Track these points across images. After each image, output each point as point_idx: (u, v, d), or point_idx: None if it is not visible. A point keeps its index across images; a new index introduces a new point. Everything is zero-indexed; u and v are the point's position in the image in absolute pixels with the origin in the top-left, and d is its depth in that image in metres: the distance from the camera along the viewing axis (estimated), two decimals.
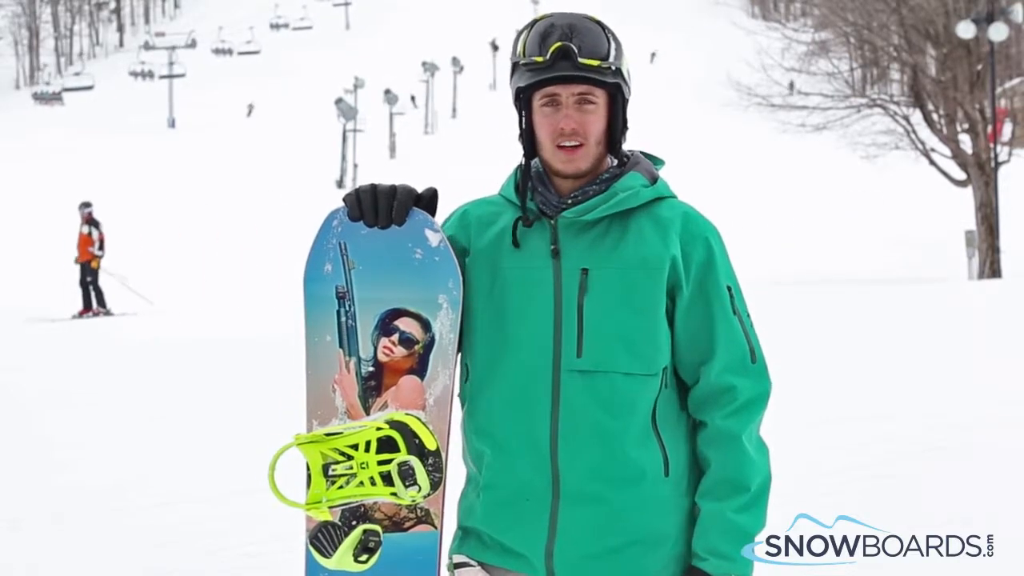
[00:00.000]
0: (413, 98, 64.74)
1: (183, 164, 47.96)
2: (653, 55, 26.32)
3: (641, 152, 2.47)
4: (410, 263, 2.32)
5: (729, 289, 2.36)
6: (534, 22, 2.37)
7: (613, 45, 2.34)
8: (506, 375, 2.33)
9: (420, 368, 2.32)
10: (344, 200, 2.34)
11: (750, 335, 2.37)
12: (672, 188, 2.45)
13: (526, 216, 2.35)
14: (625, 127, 2.39)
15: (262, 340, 14.04)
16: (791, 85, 28.94)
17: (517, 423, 2.32)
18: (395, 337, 2.33)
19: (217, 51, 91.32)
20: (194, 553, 5.60)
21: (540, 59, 2.30)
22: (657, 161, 2.48)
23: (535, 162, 2.42)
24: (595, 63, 2.29)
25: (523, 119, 2.38)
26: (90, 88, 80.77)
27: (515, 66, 2.36)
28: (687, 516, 2.37)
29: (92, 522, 6.29)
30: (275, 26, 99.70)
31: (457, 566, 2.41)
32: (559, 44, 2.29)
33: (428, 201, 2.34)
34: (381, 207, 2.31)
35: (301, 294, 2.36)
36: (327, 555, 2.34)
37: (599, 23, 2.35)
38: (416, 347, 2.33)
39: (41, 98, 79.78)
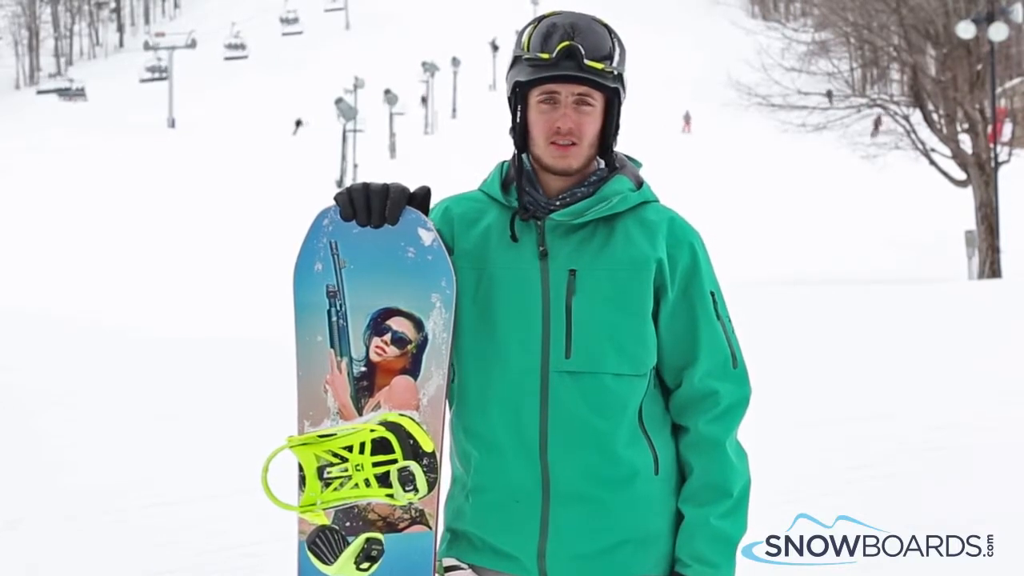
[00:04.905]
0: (424, 99, 64.24)
1: (183, 164, 47.94)
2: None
3: (624, 155, 2.46)
4: (403, 262, 2.29)
5: (712, 295, 2.37)
6: (542, 18, 2.35)
7: (618, 50, 2.33)
8: (494, 376, 2.32)
9: (413, 368, 2.29)
10: (336, 199, 2.31)
11: (732, 340, 2.39)
12: (668, 189, 2.45)
13: (522, 209, 2.34)
14: (617, 131, 2.38)
15: (262, 340, 14.03)
16: (782, 84, 28.92)
17: (506, 424, 2.31)
18: (387, 337, 2.30)
19: (230, 46, 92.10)
20: (194, 553, 5.59)
21: (545, 55, 2.28)
22: (636, 162, 2.48)
23: (523, 159, 2.40)
24: (599, 66, 2.28)
25: (518, 113, 2.36)
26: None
27: (517, 59, 2.34)
28: (677, 514, 2.37)
29: (92, 522, 6.28)
30: (284, 20, 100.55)
31: (447, 569, 2.40)
32: (566, 43, 2.27)
33: (421, 200, 2.31)
34: (374, 206, 2.28)
35: (291, 294, 2.33)
36: (327, 562, 2.30)
37: (606, 26, 2.34)
38: (409, 347, 2.30)
39: (64, 94, 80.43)
